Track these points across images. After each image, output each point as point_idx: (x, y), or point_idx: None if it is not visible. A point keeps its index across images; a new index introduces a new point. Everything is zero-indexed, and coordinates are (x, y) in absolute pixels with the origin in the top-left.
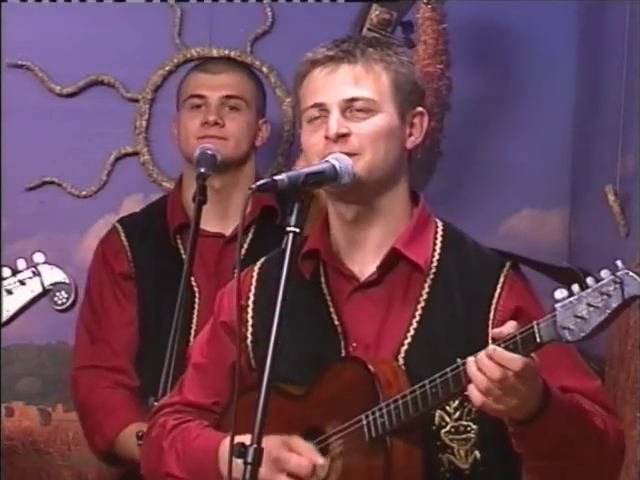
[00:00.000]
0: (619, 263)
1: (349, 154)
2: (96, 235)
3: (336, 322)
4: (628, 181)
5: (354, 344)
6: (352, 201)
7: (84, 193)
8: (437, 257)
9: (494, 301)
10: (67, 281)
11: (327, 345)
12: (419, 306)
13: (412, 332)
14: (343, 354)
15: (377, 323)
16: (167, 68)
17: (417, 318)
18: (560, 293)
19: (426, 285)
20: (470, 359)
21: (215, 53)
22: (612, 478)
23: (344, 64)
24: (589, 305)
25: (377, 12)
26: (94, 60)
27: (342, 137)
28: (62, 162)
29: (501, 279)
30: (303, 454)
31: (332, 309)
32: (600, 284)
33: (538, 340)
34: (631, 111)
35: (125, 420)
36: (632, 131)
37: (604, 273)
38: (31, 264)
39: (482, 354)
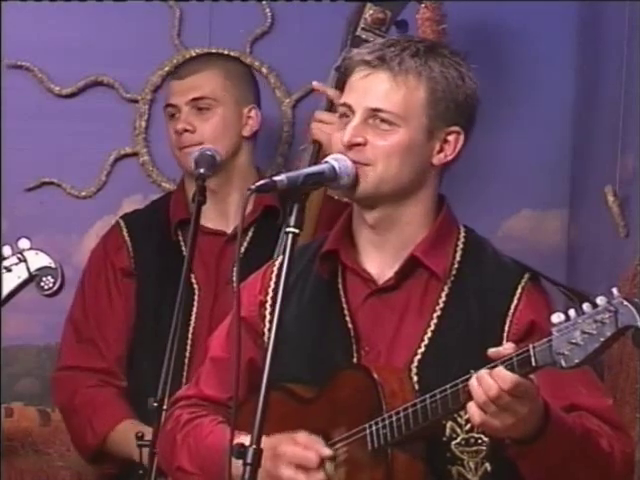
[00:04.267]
0: (615, 291)
1: (362, 163)
2: (96, 236)
3: (349, 325)
4: (627, 182)
5: (366, 348)
6: (367, 207)
7: (83, 194)
8: (456, 266)
9: (510, 313)
10: (53, 265)
11: (339, 347)
12: (435, 315)
13: (426, 341)
14: (354, 357)
15: (392, 329)
16: (166, 69)
17: (432, 327)
18: (557, 317)
19: (443, 294)
20: (474, 375)
21: None
22: None
23: (380, 71)
24: (583, 332)
25: (371, 11)
26: (93, 61)
27: (356, 146)
28: (61, 163)
29: (518, 291)
30: (309, 447)
31: (347, 311)
32: (595, 311)
33: (533, 364)
34: (631, 111)
35: (116, 417)
36: (631, 132)
37: (600, 300)
38: (17, 250)
39: (484, 370)
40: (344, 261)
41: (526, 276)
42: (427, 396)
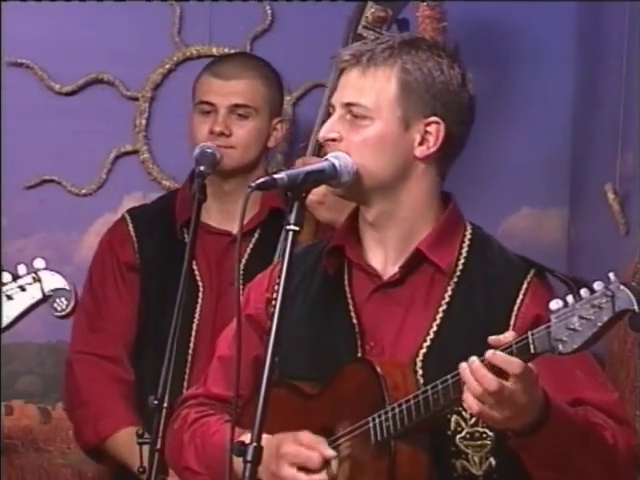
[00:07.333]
0: (611, 276)
1: None
2: (96, 234)
3: (354, 320)
4: (628, 179)
5: (371, 343)
6: (362, 204)
7: (84, 191)
8: (462, 261)
9: (515, 307)
10: (67, 287)
11: (343, 343)
12: (440, 309)
13: (432, 335)
14: (359, 353)
15: (397, 324)
16: (167, 66)
17: (437, 321)
18: (555, 304)
19: (449, 288)
20: (463, 364)
21: (215, 51)
22: None
23: (353, 68)
24: (581, 317)
25: (372, 10)
26: (94, 58)
27: (332, 141)
28: (62, 160)
29: (524, 286)
30: (312, 447)
31: (351, 307)
32: (592, 296)
33: (532, 351)
34: (630, 110)
35: (119, 422)
36: (631, 130)
37: (597, 285)
38: (31, 269)
39: (473, 358)
40: (349, 256)
41: (532, 271)
42: (428, 387)
